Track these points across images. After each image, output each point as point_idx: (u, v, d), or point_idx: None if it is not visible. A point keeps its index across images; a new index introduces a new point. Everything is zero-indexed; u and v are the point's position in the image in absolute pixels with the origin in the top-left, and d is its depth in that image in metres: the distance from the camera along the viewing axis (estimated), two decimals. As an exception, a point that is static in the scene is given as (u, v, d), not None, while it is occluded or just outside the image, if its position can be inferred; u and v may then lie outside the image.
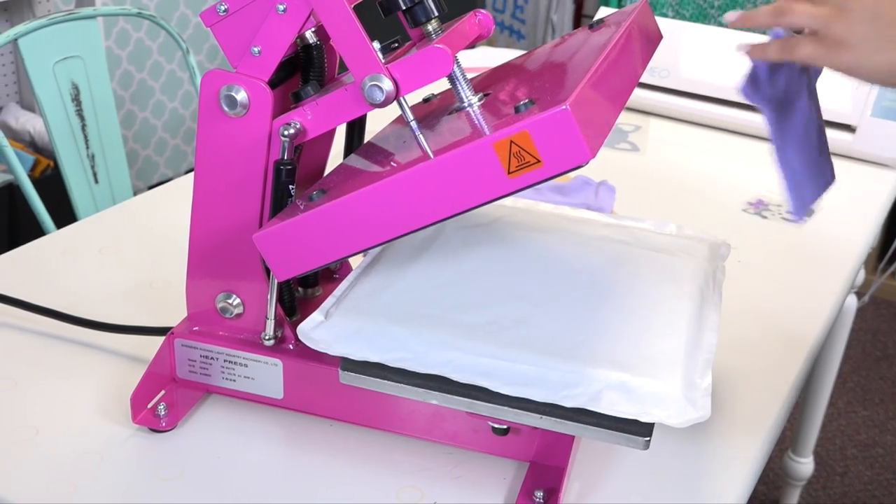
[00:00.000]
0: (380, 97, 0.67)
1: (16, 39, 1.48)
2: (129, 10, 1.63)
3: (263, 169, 0.73)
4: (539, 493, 0.70)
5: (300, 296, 0.85)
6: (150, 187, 2.64)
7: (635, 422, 0.64)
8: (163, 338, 0.79)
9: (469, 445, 0.75)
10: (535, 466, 0.73)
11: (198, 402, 0.80)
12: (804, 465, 1.89)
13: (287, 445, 0.77)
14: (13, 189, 2.19)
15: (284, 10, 0.69)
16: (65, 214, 1.49)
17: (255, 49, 0.70)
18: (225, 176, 0.74)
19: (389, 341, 0.69)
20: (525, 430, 0.72)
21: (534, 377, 0.66)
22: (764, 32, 0.78)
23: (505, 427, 0.72)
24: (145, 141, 2.84)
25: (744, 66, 0.77)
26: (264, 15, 0.69)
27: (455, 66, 0.70)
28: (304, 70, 0.76)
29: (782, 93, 0.78)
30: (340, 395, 0.76)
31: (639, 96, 1.55)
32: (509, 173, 0.61)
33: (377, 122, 0.86)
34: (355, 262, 0.80)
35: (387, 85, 0.66)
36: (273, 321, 0.76)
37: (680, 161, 1.40)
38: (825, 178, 0.83)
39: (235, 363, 0.78)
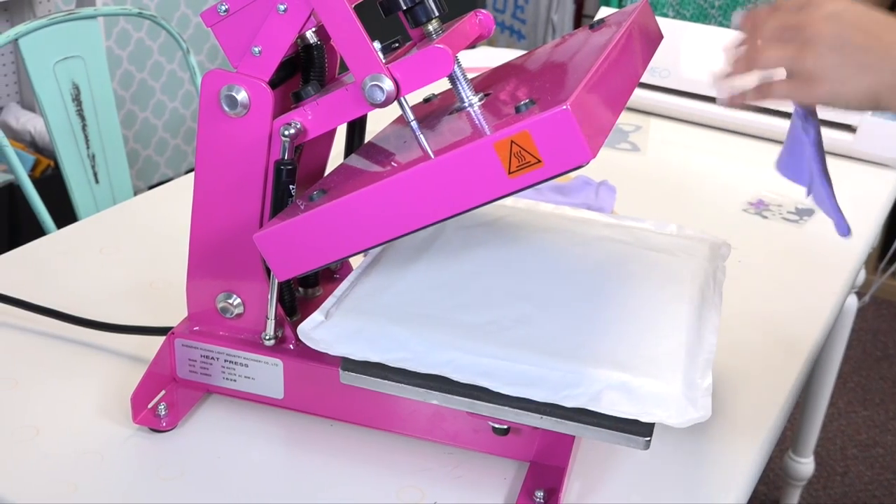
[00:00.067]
0: (380, 97, 0.67)
1: (16, 39, 1.48)
2: (129, 10, 1.63)
3: (264, 169, 0.73)
4: (539, 493, 0.70)
5: (300, 296, 0.85)
6: (151, 187, 2.65)
7: (636, 422, 0.64)
8: (163, 338, 0.79)
9: (469, 445, 0.75)
10: (536, 466, 0.73)
11: (198, 402, 0.80)
12: (805, 465, 1.89)
13: (287, 445, 0.77)
14: (14, 189, 2.19)
15: (285, 10, 0.69)
16: (65, 214, 1.49)
17: (256, 49, 0.70)
18: (225, 176, 0.74)
19: (390, 341, 0.69)
20: (525, 430, 0.72)
21: (534, 377, 0.66)
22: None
23: (505, 427, 0.72)
24: (146, 141, 2.84)
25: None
26: (265, 15, 0.69)
27: (456, 66, 0.70)
28: (304, 70, 0.76)
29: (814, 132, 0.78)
30: (341, 395, 0.76)
31: (639, 96, 1.55)
32: (510, 173, 0.61)
33: (377, 122, 0.86)
34: (356, 262, 0.80)
35: (387, 85, 0.66)
36: (273, 321, 0.76)
37: (680, 161, 1.40)
38: (832, 187, 0.83)
39: (236, 363, 0.78)
